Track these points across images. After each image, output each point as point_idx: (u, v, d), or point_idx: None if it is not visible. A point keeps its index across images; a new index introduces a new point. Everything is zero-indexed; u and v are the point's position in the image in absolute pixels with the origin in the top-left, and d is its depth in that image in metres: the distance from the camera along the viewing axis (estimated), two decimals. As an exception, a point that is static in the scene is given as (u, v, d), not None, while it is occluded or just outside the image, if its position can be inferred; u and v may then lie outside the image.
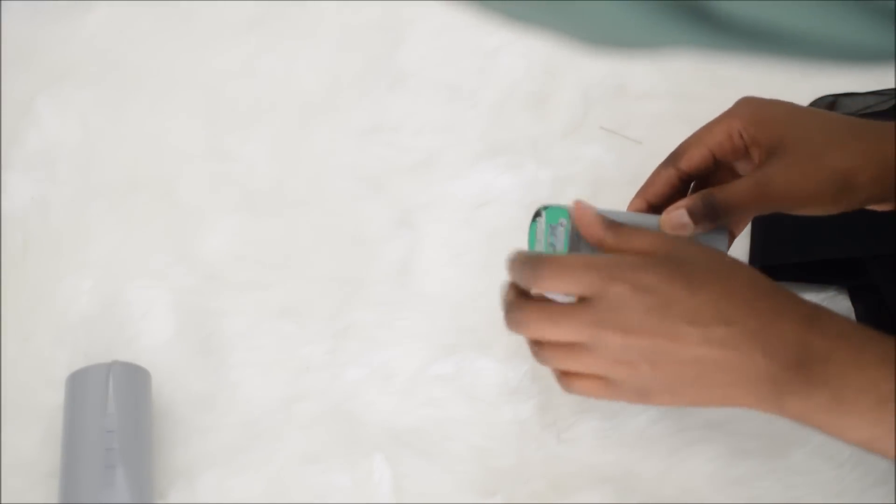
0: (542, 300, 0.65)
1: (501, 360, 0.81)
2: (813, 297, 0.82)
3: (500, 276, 0.85)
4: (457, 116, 0.93)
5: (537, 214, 0.68)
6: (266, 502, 0.77)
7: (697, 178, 0.72)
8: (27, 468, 0.78)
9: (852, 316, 0.81)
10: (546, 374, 0.81)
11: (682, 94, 0.93)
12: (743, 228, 0.75)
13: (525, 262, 0.64)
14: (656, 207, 0.71)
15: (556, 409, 0.79)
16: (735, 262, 0.65)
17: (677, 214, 0.67)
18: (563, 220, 0.67)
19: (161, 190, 0.91)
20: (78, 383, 0.77)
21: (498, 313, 0.84)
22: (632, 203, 0.72)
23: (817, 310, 0.63)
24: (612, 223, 0.65)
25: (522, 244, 0.86)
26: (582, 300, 0.62)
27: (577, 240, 0.67)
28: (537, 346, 0.65)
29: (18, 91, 0.95)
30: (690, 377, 0.62)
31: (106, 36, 0.99)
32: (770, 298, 0.62)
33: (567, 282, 0.62)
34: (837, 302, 0.82)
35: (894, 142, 0.66)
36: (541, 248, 0.68)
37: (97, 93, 0.95)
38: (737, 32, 0.27)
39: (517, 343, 0.82)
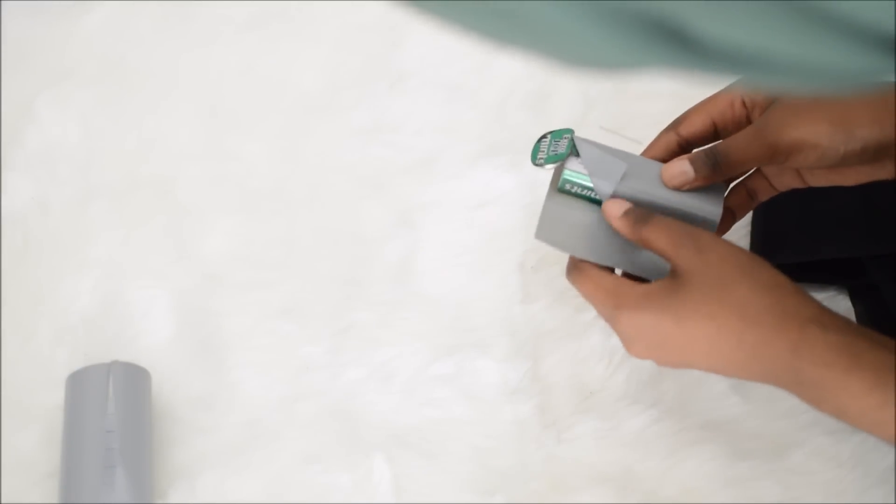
0: (595, 274, 0.69)
1: (501, 360, 0.81)
2: (813, 297, 0.82)
3: (500, 276, 0.85)
4: (457, 116, 0.93)
5: (542, 137, 0.72)
6: (266, 502, 0.77)
7: (697, 146, 0.73)
8: (27, 468, 0.78)
9: (852, 316, 0.81)
10: (546, 374, 0.81)
11: (681, 95, 0.93)
12: (745, 214, 0.76)
13: (569, 264, 0.71)
14: None
15: (556, 409, 0.79)
16: (731, 281, 0.64)
17: (679, 163, 0.69)
18: (567, 135, 0.71)
19: (161, 190, 0.91)
20: (78, 383, 0.77)
21: (498, 313, 0.84)
22: (662, 133, 0.73)
23: (804, 333, 0.63)
24: (639, 217, 0.68)
25: (522, 244, 0.86)
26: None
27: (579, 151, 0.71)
28: None
29: (18, 91, 0.95)
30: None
31: (106, 36, 0.99)
32: (757, 328, 0.63)
33: (589, 299, 0.69)
34: (837, 302, 0.82)
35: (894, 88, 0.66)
36: (543, 156, 0.71)
37: (97, 93, 0.95)
38: (720, 58, 0.27)
39: (517, 343, 0.82)
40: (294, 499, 0.77)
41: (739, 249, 0.66)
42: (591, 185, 0.70)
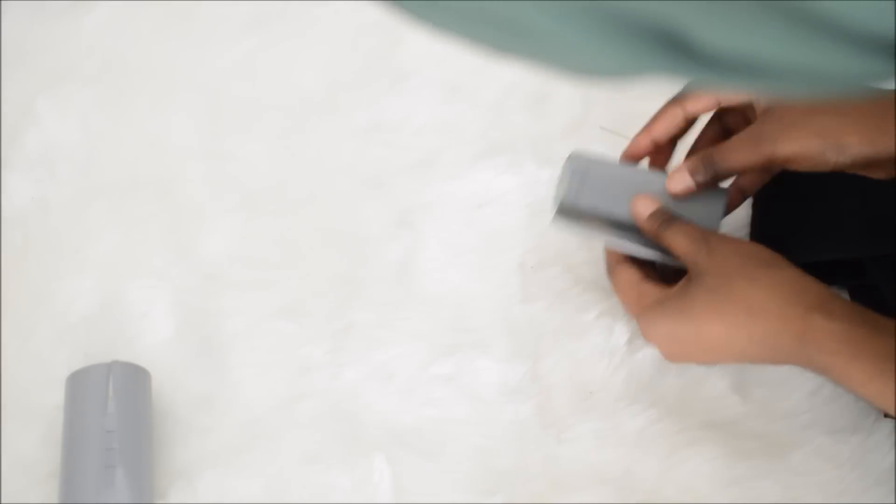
0: (625, 275, 0.74)
1: (501, 360, 0.81)
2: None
3: (500, 276, 0.85)
4: (457, 116, 0.93)
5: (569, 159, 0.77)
6: (266, 502, 0.77)
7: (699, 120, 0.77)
8: (27, 468, 0.78)
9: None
10: (546, 374, 0.81)
11: (682, 94, 0.93)
12: (755, 186, 0.79)
13: (607, 264, 0.77)
14: (658, 144, 0.77)
15: (556, 409, 0.79)
16: (736, 277, 0.68)
17: (680, 177, 0.74)
18: (572, 165, 0.76)
19: (161, 190, 0.91)
20: (78, 383, 0.77)
21: (498, 313, 0.84)
22: (637, 138, 0.78)
23: (808, 322, 0.65)
24: (664, 221, 0.72)
25: (522, 244, 0.86)
26: None
27: (583, 181, 0.75)
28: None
29: (18, 91, 0.95)
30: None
31: (106, 36, 0.99)
32: (763, 321, 0.67)
33: (621, 300, 0.75)
34: (837, 302, 0.82)
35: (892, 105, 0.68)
36: (564, 183, 0.76)
37: (97, 93, 0.95)
38: (719, 65, 0.27)
39: (517, 343, 0.82)
40: (294, 499, 0.77)
41: (743, 244, 0.70)
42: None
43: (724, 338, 0.68)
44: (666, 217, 0.72)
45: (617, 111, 0.92)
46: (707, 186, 0.73)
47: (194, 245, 0.88)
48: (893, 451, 0.76)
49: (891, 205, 0.78)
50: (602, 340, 0.81)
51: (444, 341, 0.83)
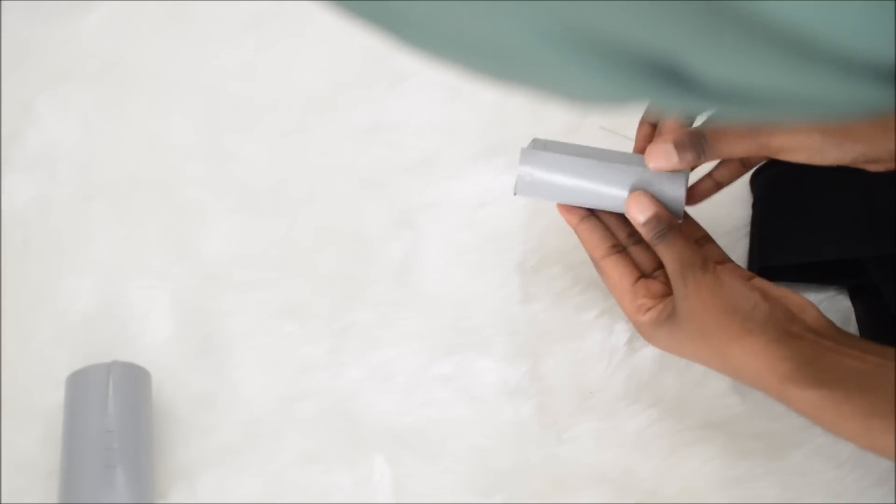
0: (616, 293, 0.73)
1: (501, 360, 0.81)
2: (813, 297, 0.82)
3: (500, 276, 0.85)
4: (457, 116, 0.93)
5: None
6: (266, 502, 0.77)
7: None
8: (27, 468, 0.78)
9: (852, 316, 0.81)
10: (546, 373, 0.81)
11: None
12: (732, 178, 0.76)
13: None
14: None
15: (556, 409, 0.79)
16: (713, 330, 0.67)
17: (664, 150, 0.68)
18: (535, 144, 0.73)
19: (161, 190, 0.91)
20: (78, 383, 0.77)
21: (498, 313, 0.84)
22: (639, 128, 0.74)
23: (783, 391, 0.64)
24: (658, 233, 0.69)
25: (522, 244, 0.86)
26: None
27: (545, 149, 0.73)
28: None
29: (18, 91, 0.95)
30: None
31: (106, 36, 0.99)
32: (741, 376, 0.67)
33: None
34: (837, 302, 0.82)
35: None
36: (528, 152, 0.73)
37: (97, 93, 0.95)
38: (716, 95, 0.26)
39: (517, 343, 0.82)
40: (294, 499, 0.77)
41: (716, 297, 0.67)
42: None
43: (711, 367, 0.69)
44: (661, 229, 0.69)
45: (617, 111, 0.92)
46: (690, 163, 0.69)
47: (194, 245, 0.88)
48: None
49: (891, 204, 0.78)
50: (602, 340, 0.81)
51: (444, 341, 0.83)
